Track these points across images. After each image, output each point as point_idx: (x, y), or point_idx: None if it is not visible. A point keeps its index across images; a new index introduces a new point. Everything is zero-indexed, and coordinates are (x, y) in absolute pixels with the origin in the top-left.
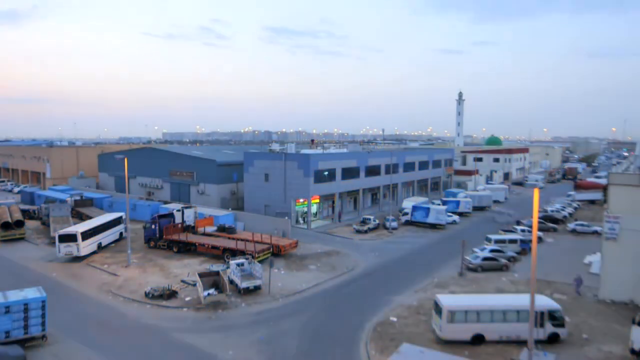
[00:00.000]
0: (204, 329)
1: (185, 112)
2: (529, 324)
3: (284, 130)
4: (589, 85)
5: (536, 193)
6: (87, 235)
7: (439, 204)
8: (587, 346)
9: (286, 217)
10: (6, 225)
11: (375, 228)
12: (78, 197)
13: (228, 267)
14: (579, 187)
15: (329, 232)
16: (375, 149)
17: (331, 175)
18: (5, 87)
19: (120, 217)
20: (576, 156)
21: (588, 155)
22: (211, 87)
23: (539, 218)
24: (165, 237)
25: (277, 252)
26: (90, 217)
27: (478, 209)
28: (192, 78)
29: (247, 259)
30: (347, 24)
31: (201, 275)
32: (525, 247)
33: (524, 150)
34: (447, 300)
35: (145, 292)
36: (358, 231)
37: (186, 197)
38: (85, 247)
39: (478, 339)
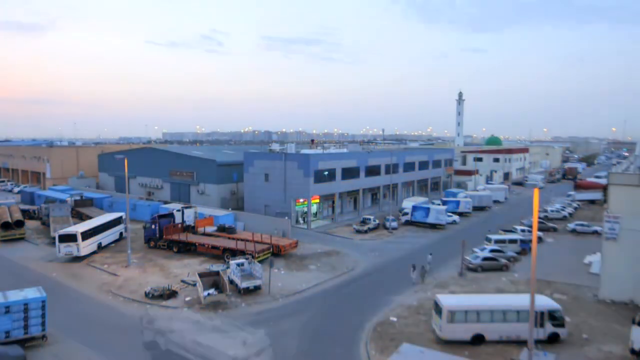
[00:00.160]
0: (204, 329)
1: (185, 112)
2: (529, 324)
3: (284, 130)
4: (589, 85)
5: (536, 193)
6: (87, 235)
7: (439, 204)
8: (587, 346)
9: (286, 217)
10: (6, 225)
11: (375, 228)
12: (78, 197)
13: (228, 267)
14: (579, 187)
15: (329, 232)
16: (375, 149)
17: (331, 175)
18: (7, 89)
19: (120, 217)
20: (576, 156)
21: (588, 155)
22: (211, 87)
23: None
24: (165, 237)
25: (277, 252)
26: (90, 217)
27: (478, 209)
28: (193, 79)
29: (247, 259)
30: (339, 33)
31: (201, 275)
32: (525, 247)
33: (524, 150)
34: (447, 300)
35: (145, 292)
36: (358, 231)
37: (186, 197)
38: (85, 247)
39: (478, 339)
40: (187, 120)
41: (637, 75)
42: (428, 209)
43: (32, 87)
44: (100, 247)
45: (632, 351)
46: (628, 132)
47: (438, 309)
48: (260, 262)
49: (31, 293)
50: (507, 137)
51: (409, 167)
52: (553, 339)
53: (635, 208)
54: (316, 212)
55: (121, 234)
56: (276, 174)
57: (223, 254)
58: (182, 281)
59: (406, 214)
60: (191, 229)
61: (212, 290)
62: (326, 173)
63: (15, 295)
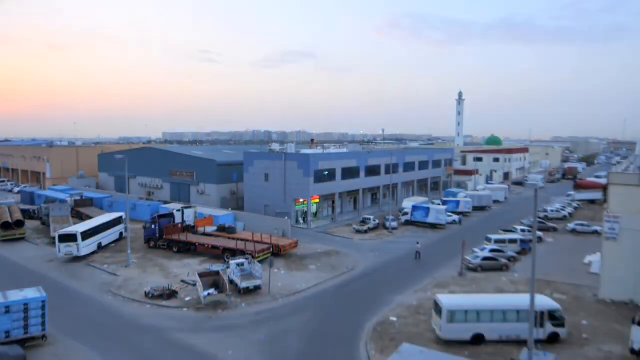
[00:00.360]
0: (204, 329)
1: (185, 112)
2: (529, 324)
3: (284, 130)
4: (589, 85)
5: (536, 193)
6: (87, 235)
7: (439, 204)
8: (587, 346)
9: (286, 217)
10: (6, 225)
11: (375, 228)
12: (78, 197)
13: (228, 267)
14: (579, 187)
15: (329, 232)
16: (375, 149)
17: (331, 175)
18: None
19: (120, 217)
20: (576, 156)
21: (588, 155)
22: (211, 87)
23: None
24: (165, 237)
25: (277, 252)
26: (90, 217)
27: (478, 209)
28: (192, 79)
29: (247, 259)
30: (321, 47)
31: (201, 275)
32: (525, 247)
33: (524, 150)
34: (447, 300)
35: (145, 292)
36: (358, 231)
37: (186, 197)
38: (85, 247)
39: (478, 339)
40: (187, 120)
41: (637, 76)
42: (428, 208)
43: (33, 87)
44: (100, 247)
45: (632, 351)
46: (628, 132)
47: (438, 309)
48: (260, 262)
49: (31, 293)
50: (508, 137)
51: (409, 167)
52: (553, 339)
53: (635, 208)
54: (316, 212)
55: (121, 234)
56: (276, 174)
57: (223, 254)
58: (182, 281)
59: (406, 214)
60: (191, 229)
61: (212, 290)
62: (326, 173)
63: (15, 295)
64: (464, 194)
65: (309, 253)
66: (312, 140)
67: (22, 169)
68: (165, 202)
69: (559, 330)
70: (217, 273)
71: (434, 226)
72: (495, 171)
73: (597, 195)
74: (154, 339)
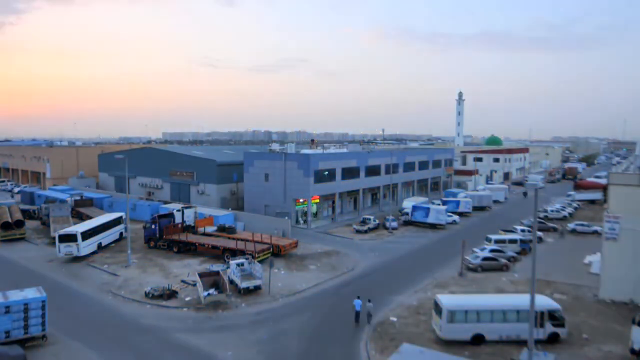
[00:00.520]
0: (204, 329)
1: (185, 112)
2: (529, 324)
3: (284, 130)
4: (589, 85)
5: (536, 193)
6: (87, 235)
7: (439, 204)
8: (587, 346)
9: (286, 217)
10: (6, 225)
11: (375, 228)
12: (78, 197)
13: (228, 267)
14: (579, 187)
15: (329, 232)
16: (375, 149)
17: (331, 175)
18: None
19: (120, 217)
20: (576, 156)
21: (588, 155)
22: (211, 87)
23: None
24: (165, 237)
25: (277, 252)
26: (90, 217)
27: (478, 209)
28: (192, 79)
29: (247, 259)
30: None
31: (201, 275)
32: (525, 247)
33: (524, 150)
34: (447, 300)
35: (145, 292)
36: (358, 231)
37: (186, 197)
38: (85, 247)
39: (478, 339)
40: (187, 120)
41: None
42: (428, 209)
43: (33, 87)
44: (100, 247)
45: (632, 351)
46: (628, 132)
47: (438, 309)
48: (260, 262)
49: (31, 293)
50: (508, 137)
51: (409, 167)
52: (553, 339)
53: (635, 208)
54: (316, 212)
55: (121, 234)
56: (276, 174)
57: (223, 254)
58: (182, 281)
59: (406, 214)
60: (191, 229)
61: (212, 290)
62: (326, 173)
63: (15, 295)
64: (463, 194)
65: (309, 253)
66: (312, 140)
67: (22, 169)
68: (165, 202)
69: (559, 330)
70: (217, 273)
71: (434, 226)
72: (495, 171)
73: (597, 195)
74: (154, 339)
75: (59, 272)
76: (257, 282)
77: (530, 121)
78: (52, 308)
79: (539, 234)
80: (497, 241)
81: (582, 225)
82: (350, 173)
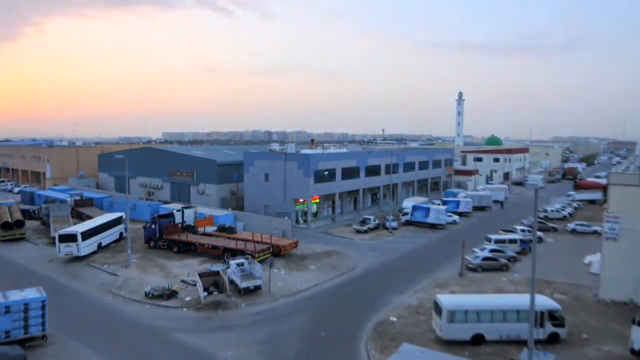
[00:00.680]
0: (204, 329)
1: (185, 112)
2: (529, 324)
3: (284, 130)
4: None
5: (536, 193)
6: (87, 235)
7: (439, 204)
8: (587, 346)
9: (286, 217)
10: (6, 225)
11: (375, 228)
12: (78, 197)
13: (228, 267)
14: (579, 187)
15: (329, 232)
16: (375, 149)
17: (331, 175)
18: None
19: (120, 217)
20: (576, 156)
21: (588, 155)
22: (211, 88)
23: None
24: (165, 237)
25: (277, 252)
26: (90, 217)
27: (478, 209)
28: (192, 80)
29: (247, 259)
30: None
31: (201, 275)
32: (525, 247)
33: (524, 150)
34: (447, 300)
35: (145, 292)
36: (358, 231)
37: (186, 197)
38: (85, 247)
39: (478, 339)
40: (187, 120)
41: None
42: (428, 209)
43: (33, 86)
44: (100, 247)
45: (632, 351)
46: (628, 132)
47: (438, 309)
48: (260, 262)
49: (31, 293)
50: (508, 137)
51: (409, 167)
52: (553, 339)
53: (635, 208)
54: (316, 212)
55: (121, 234)
56: (276, 174)
57: (223, 254)
58: (182, 281)
59: (406, 214)
60: (191, 229)
61: (212, 290)
62: (326, 173)
63: (15, 295)
64: (463, 194)
65: (309, 253)
66: (312, 140)
67: (22, 169)
68: (165, 202)
69: (559, 330)
70: (217, 273)
71: (434, 226)
72: (495, 171)
73: (597, 195)
74: (154, 339)
75: (59, 272)
76: (257, 282)
77: (530, 121)
78: (52, 308)
79: (539, 234)
80: (497, 241)
81: (582, 225)
82: (350, 173)
